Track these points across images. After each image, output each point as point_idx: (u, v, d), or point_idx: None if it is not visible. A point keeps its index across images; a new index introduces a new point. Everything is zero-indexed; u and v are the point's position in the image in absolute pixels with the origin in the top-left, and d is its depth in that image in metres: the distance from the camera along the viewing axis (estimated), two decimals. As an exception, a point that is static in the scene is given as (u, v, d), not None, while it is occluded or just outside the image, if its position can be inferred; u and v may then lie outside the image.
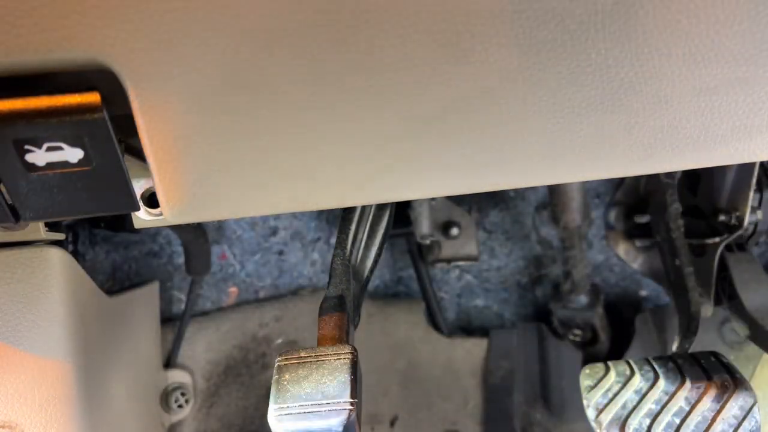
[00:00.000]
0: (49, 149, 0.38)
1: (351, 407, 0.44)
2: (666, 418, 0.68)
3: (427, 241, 1.07)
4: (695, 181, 0.95)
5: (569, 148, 0.44)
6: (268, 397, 0.46)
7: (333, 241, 1.15)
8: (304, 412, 0.45)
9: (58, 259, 0.60)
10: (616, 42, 0.40)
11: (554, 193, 1.03)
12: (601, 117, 0.42)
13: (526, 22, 0.38)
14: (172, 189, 0.42)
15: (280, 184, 0.43)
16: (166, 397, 0.99)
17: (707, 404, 0.67)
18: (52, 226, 0.59)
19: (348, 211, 0.64)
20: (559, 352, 1.14)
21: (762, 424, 0.67)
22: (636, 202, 1.07)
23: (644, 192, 1.05)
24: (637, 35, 0.39)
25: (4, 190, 0.41)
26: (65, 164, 0.39)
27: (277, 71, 0.38)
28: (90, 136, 0.38)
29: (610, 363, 0.76)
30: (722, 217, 0.89)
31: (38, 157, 0.38)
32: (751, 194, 0.85)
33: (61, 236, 0.61)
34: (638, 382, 0.71)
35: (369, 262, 0.66)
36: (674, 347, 0.85)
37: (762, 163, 0.86)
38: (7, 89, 0.37)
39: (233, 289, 1.14)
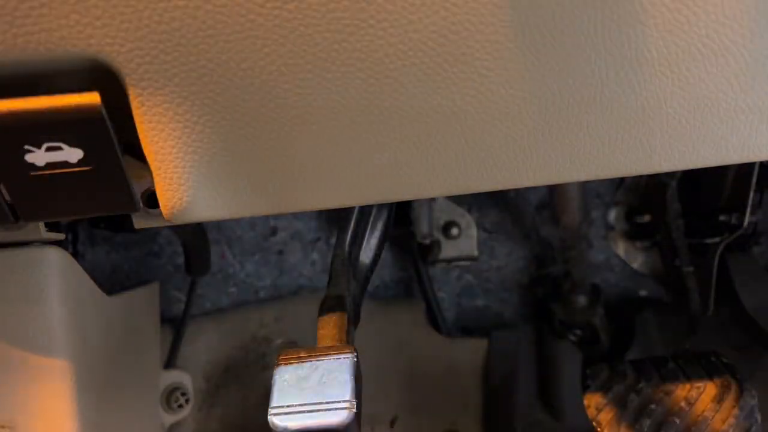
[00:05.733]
0: (48, 149, 0.38)
1: (351, 407, 0.44)
2: (666, 418, 0.68)
3: (427, 241, 1.07)
4: (695, 181, 0.95)
5: (569, 148, 0.44)
6: (268, 397, 0.46)
7: (333, 241, 1.15)
8: (304, 412, 0.45)
9: (57, 259, 0.59)
10: (615, 41, 0.40)
11: (554, 193, 1.03)
12: (600, 117, 0.42)
13: (525, 22, 0.38)
14: (172, 189, 0.42)
15: (280, 184, 0.43)
16: (166, 397, 0.98)
17: (707, 404, 0.67)
18: (51, 226, 0.59)
19: (348, 211, 0.64)
20: (559, 352, 1.14)
21: (762, 424, 0.67)
22: (636, 202, 1.07)
23: (644, 192, 1.05)
24: (636, 34, 0.39)
25: (3, 189, 0.41)
26: (65, 164, 0.39)
27: (278, 70, 0.38)
28: (89, 136, 0.38)
29: (610, 363, 0.76)
30: (722, 217, 0.89)
31: (38, 157, 0.38)
32: (752, 194, 0.85)
33: (60, 236, 0.60)
34: (638, 382, 0.71)
35: (369, 262, 0.66)
36: (675, 347, 0.85)
37: (762, 163, 0.86)
38: (7, 89, 0.37)
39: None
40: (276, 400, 0.46)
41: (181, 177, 0.41)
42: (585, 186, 1.03)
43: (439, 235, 1.09)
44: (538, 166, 0.44)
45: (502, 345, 1.16)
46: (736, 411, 0.66)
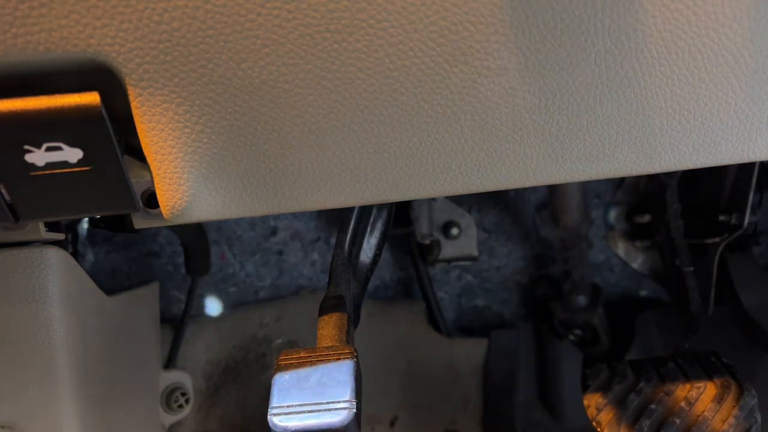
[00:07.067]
0: (48, 149, 0.38)
1: (351, 407, 0.44)
2: (666, 418, 0.68)
3: (427, 241, 1.07)
4: (695, 181, 0.95)
5: (569, 148, 0.44)
6: (268, 397, 0.46)
7: (333, 241, 1.15)
8: (304, 412, 0.45)
9: (57, 259, 0.60)
10: (616, 41, 0.40)
11: (554, 193, 1.03)
12: (601, 116, 0.43)
13: (526, 22, 0.38)
14: (172, 189, 0.42)
15: (280, 184, 0.43)
16: (166, 397, 0.99)
17: (707, 404, 0.67)
18: (52, 226, 0.59)
19: (348, 211, 0.64)
20: (559, 352, 1.14)
21: (762, 424, 0.67)
22: (636, 202, 1.07)
23: (644, 192, 1.05)
24: (636, 34, 0.39)
25: (3, 190, 0.41)
26: (65, 164, 0.39)
27: (278, 70, 0.38)
28: (89, 136, 0.38)
29: (610, 363, 0.76)
30: (722, 217, 0.89)
31: (38, 157, 0.38)
32: (752, 194, 0.85)
33: (60, 236, 0.61)
34: (638, 382, 0.71)
35: (369, 262, 0.66)
36: (675, 347, 0.85)
37: (762, 163, 0.86)
38: (7, 89, 0.37)
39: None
40: (276, 400, 0.46)
41: (181, 177, 0.41)
42: (585, 186, 1.03)
43: (439, 235, 1.09)
44: (538, 166, 0.44)
45: (502, 345, 1.16)
46: (736, 411, 0.66)
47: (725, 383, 0.69)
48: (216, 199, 0.43)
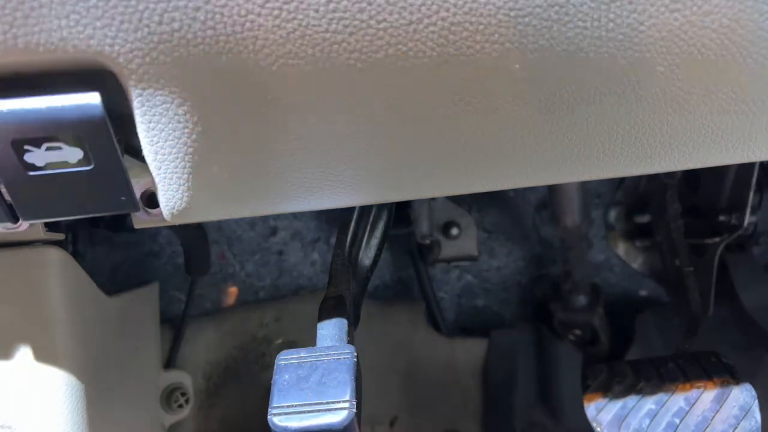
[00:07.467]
0: (48, 149, 0.38)
1: (351, 407, 0.44)
2: (666, 418, 0.68)
3: (427, 241, 1.07)
4: (695, 181, 0.95)
5: (569, 148, 0.44)
6: (268, 397, 0.46)
7: (333, 241, 1.15)
8: (304, 412, 0.45)
9: (57, 259, 0.59)
10: (615, 40, 0.40)
11: (554, 193, 1.03)
12: (600, 117, 0.43)
13: (526, 21, 0.38)
14: (172, 189, 0.42)
15: (280, 184, 0.43)
16: (166, 397, 0.99)
17: (707, 404, 0.67)
18: (52, 226, 0.59)
19: (348, 211, 0.64)
20: (559, 352, 1.14)
21: (762, 424, 0.67)
22: (636, 202, 1.07)
23: (644, 192, 1.05)
24: (636, 34, 0.39)
25: (3, 189, 0.41)
26: (65, 164, 0.39)
27: (278, 71, 0.38)
28: (89, 136, 0.38)
29: (610, 363, 0.76)
30: (722, 217, 0.89)
31: (38, 157, 0.38)
32: (751, 194, 0.85)
33: (61, 236, 0.61)
34: (638, 382, 0.71)
35: (369, 263, 0.66)
36: (675, 347, 0.85)
37: (762, 163, 0.86)
38: (7, 89, 0.37)
39: (233, 289, 1.14)
40: (276, 400, 0.46)
41: (181, 177, 0.41)
42: (585, 186, 1.03)
43: (439, 235, 1.09)
44: (538, 166, 0.44)
45: (502, 345, 1.16)
46: (736, 411, 0.66)
47: (725, 383, 0.69)
48: (216, 200, 0.43)
